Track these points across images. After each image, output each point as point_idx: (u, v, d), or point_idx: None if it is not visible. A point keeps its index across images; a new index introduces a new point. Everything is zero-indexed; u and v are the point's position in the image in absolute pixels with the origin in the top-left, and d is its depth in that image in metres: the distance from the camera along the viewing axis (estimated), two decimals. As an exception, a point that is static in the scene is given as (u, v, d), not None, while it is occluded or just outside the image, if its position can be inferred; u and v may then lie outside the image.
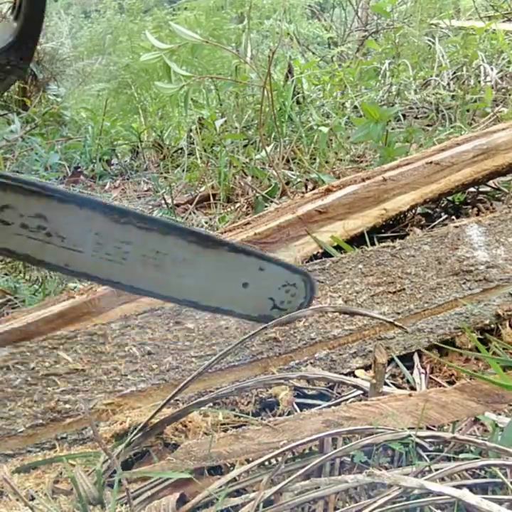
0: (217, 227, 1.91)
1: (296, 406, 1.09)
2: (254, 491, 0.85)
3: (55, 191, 0.94)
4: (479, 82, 2.94)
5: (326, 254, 1.53)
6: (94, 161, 3.25)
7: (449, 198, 1.88)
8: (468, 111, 2.70)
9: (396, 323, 1.14)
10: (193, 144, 2.70)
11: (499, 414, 0.99)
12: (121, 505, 0.83)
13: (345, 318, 1.23)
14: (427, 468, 0.87)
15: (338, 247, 1.57)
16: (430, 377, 1.17)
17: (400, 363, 1.18)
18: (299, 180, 2.25)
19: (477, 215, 1.85)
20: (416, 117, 2.81)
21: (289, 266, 1.10)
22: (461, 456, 0.92)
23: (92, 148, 3.30)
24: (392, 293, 1.30)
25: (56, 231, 0.95)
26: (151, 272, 0.99)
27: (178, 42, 2.00)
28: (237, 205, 2.13)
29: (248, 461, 0.90)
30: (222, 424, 1.04)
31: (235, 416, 1.06)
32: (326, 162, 2.41)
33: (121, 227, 0.97)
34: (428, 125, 2.69)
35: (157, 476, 0.87)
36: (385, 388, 1.07)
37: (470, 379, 1.14)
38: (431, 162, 1.79)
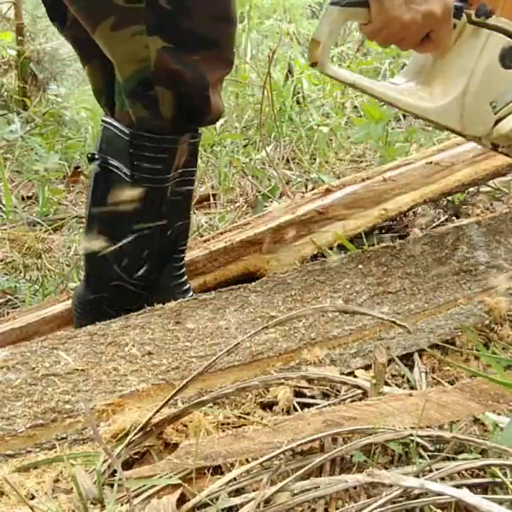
0: (217, 227, 1.91)
1: (296, 406, 1.09)
2: (254, 491, 0.85)
3: None
4: (479, 82, 2.93)
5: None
6: (94, 161, 3.23)
7: (449, 197, 1.88)
8: (468, 111, 2.69)
9: (398, 322, 1.15)
10: (193, 143, 2.69)
11: (499, 414, 0.99)
12: (121, 504, 0.83)
13: (345, 318, 1.23)
14: (427, 468, 0.87)
15: (337, 247, 1.57)
16: (432, 377, 1.17)
17: (400, 363, 1.18)
18: (299, 180, 2.25)
19: (477, 215, 1.85)
20: (416, 117, 2.81)
21: None
22: (461, 456, 0.92)
23: (92, 148, 3.30)
24: (392, 293, 1.30)
25: None
26: None
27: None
28: (237, 205, 2.13)
29: (248, 461, 0.90)
30: (222, 424, 1.04)
31: (235, 416, 1.06)
32: (326, 162, 2.41)
33: None
34: (428, 125, 2.69)
35: (158, 481, 0.87)
36: (386, 388, 1.07)
37: (470, 378, 1.14)
38: (431, 162, 1.79)
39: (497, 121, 1.19)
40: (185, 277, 1.34)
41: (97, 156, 1.23)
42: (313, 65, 1.11)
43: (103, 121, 1.24)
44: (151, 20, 1.06)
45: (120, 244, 1.23)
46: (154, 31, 1.07)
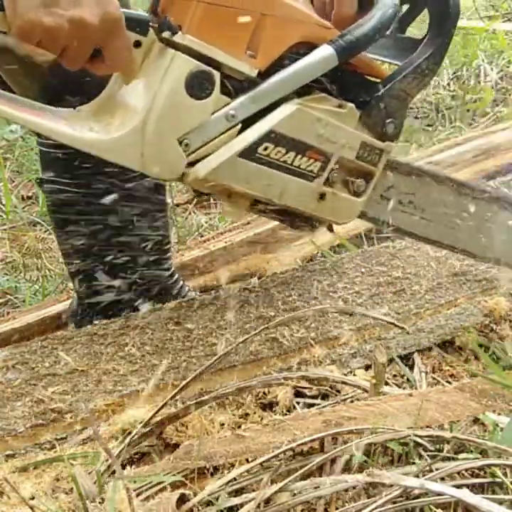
0: (217, 227, 1.91)
1: (296, 406, 1.09)
2: (254, 491, 0.85)
3: (423, 171, 1.16)
4: (479, 82, 2.94)
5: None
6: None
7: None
8: (468, 111, 2.70)
9: (397, 323, 1.15)
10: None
11: (499, 414, 0.99)
12: (122, 504, 0.83)
13: (345, 318, 1.23)
14: (427, 468, 0.87)
15: (336, 247, 1.57)
16: (432, 377, 1.17)
17: (400, 363, 1.18)
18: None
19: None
20: (416, 117, 2.81)
21: None
22: (461, 456, 0.92)
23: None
24: (392, 293, 1.30)
25: (420, 205, 1.15)
26: (479, 236, 1.19)
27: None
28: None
29: (248, 461, 0.90)
30: (222, 424, 1.04)
31: (235, 416, 1.06)
32: (326, 162, 2.40)
33: (464, 199, 1.17)
34: (428, 125, 2.69)
35: (158, 479, 0.87)
36: (386, 388, 1.07)
37: (470, 378, 1.14)
38: (431, 162, 1.79)
39: (193, 163, 0.95)
40: (177, 276, 1.33)
41: (44, 178, 1.21)
42: None
43: (37, 143, 1.22)
44: None
45: (101, 255, 1.22)
46: None
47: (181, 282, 1.34)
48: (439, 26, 1.03)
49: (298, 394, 1.11)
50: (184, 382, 0.99)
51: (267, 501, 0.83)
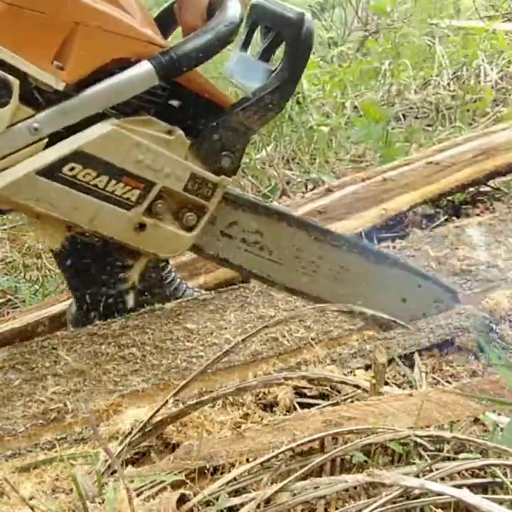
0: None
1: (296, 405, 1.09)
2: (254, 491, 0.85)
3: (273, 211, 1.09)
4: (479, 82, 2.94)
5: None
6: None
7: (449, 197, 1.88)
8: (468, 111, 2.70)
9: (398, 321, 1.15)
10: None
11: (499, 414, 0.99)
12: (122, 504, 0.83)
13: (345, 318, 1.23)
14: (427, 468, 0.87)
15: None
16: (432, 377, 1.17)
17: (400, 363, 1.18)
18: (299, 180, 2.25)
19: (477, 215, 1.85)
20: (416, 117, 2.81)
21: (441, 284, 1.23)
22: (461, 456, 0.92)
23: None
24: (392, 293, 1.29)
25: (267, 246, 1.09)
26: (332, 284, 1.14)
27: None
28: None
29: (248, 461, 0.90)
30: (222, 424, 1.04)
31: (236, 416, 1.06)
32: (326, 162, 2.41)
33: (319, 245, 1.11)
34: (428, 125, 2.69)
35: (158, 478, 0.87)
36: (386, 388, 1.07)
37: (470, 378, 1.14)
38: (431, 162, 1.79)
39: None
40: (174, 274, 1.33)
41: None
42: None
43: None
44: None
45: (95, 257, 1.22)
46: None
47: (179, 281, 1.34)
48: (290, 59, 0.95)
49: (298, 394, 1.12)
50: (184, 382, 0.99)
51: (267, 501, 0.83)
